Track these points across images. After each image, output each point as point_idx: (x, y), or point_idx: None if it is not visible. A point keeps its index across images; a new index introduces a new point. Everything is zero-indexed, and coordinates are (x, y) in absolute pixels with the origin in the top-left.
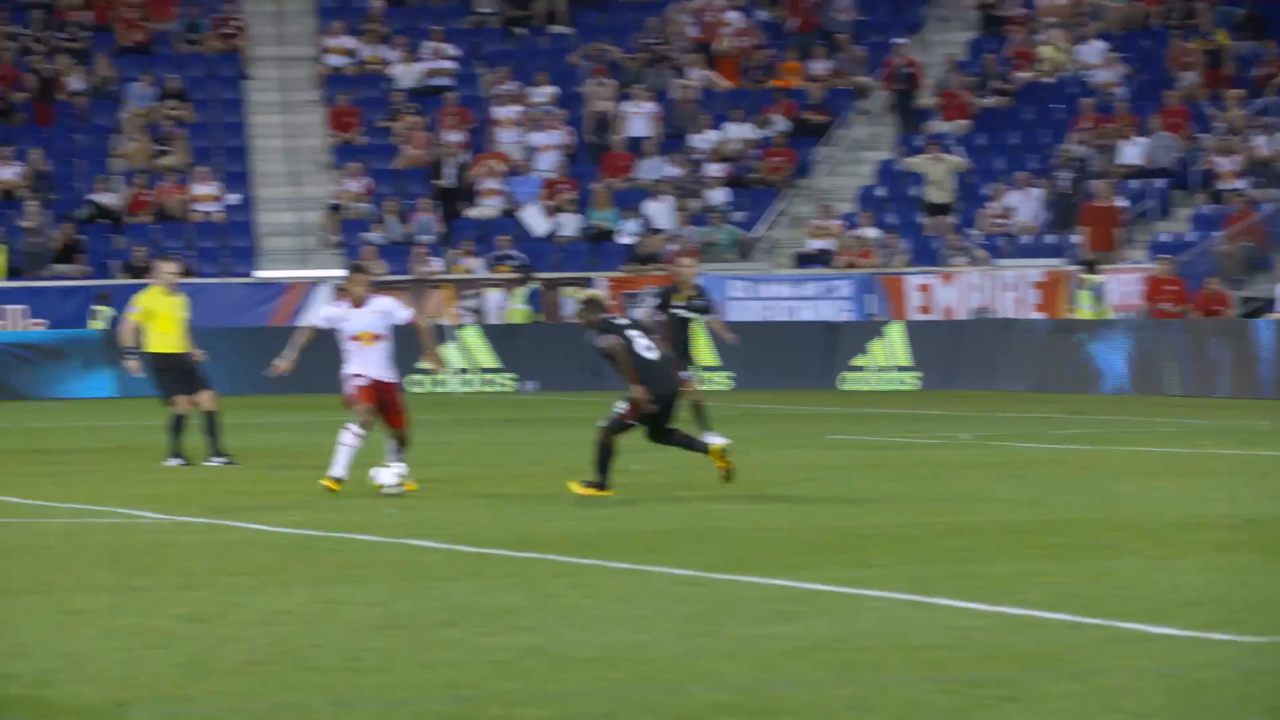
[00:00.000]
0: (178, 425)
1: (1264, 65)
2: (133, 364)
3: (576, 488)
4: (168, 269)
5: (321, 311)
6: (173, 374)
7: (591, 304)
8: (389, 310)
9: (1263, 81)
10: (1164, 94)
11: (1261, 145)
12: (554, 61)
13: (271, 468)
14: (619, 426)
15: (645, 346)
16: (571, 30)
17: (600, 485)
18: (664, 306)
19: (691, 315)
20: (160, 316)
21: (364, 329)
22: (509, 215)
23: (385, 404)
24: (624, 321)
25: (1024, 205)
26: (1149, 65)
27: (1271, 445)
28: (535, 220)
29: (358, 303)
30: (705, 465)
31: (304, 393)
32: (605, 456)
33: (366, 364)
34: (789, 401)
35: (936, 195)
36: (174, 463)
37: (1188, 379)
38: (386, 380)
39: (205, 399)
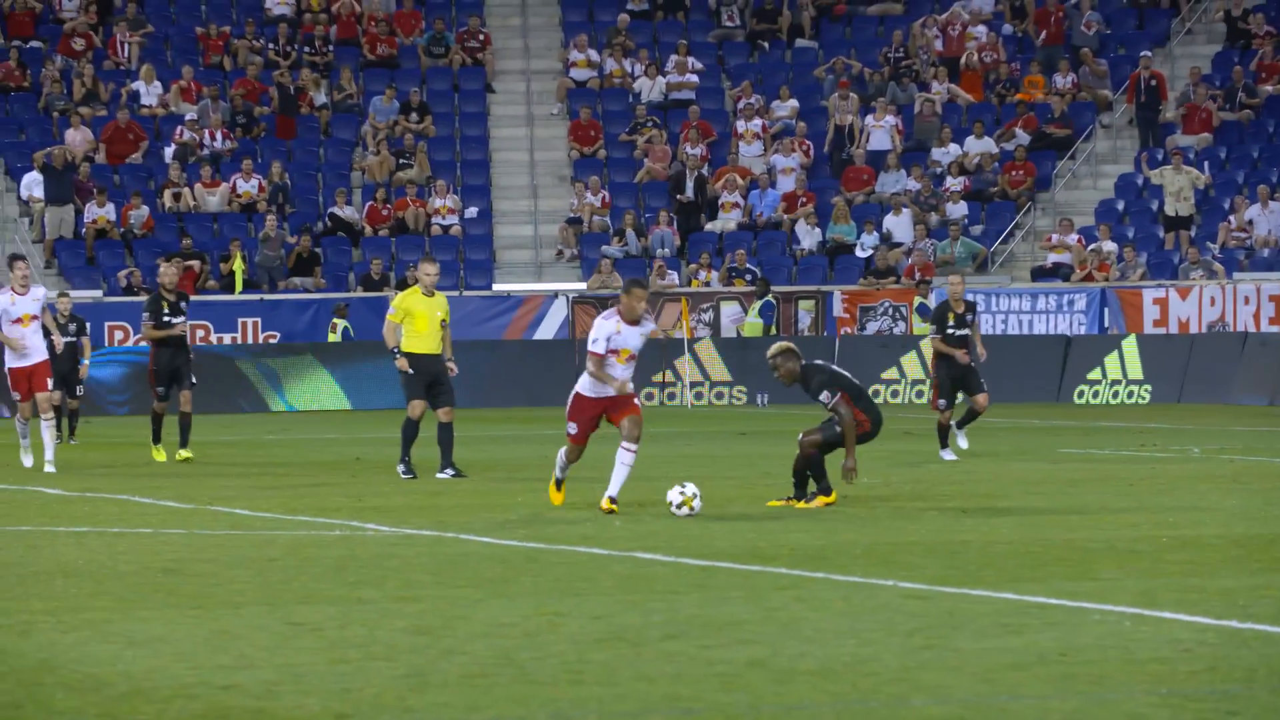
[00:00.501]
0: (411, 431)
1: None
2: (400, 362)
3: (773, 502)
4: (427, 270)
5: (599, 333)
6: (419, 378)
7: (787, 354)
8: (649, 329)
9: None
10: None
11: None
12: (798, 75)
13: (501, 480)
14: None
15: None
16: (816, 44)
17: (800, 497)
18: (940, 327)
19: (965, 332)
20: (417, 316)
21: (630, 347)
22: (748, 228)
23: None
24: (826, 364)
25: (1264, 219)
26: None
27: None
28: (802, 232)
29: (633, 320)
30: (936, 479)
31: (532, 405)
32: (816, 469)
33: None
34: (1022, 415)
35: (1176, 208)
36: (403, 473)
37: None
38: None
39: (444, 413)
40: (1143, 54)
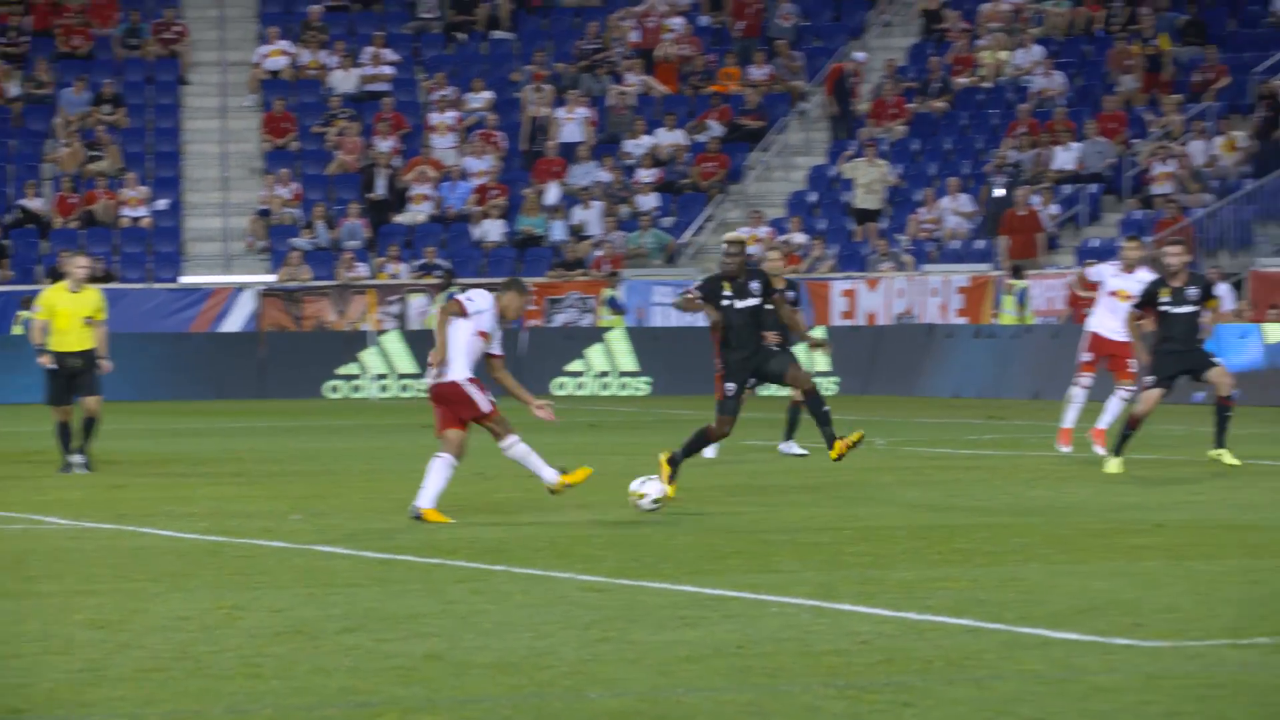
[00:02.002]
0: (62, 433)
1: (1204, 71)
2: (44, 359)
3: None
4: (72, 264)
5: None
6: (59, 377)
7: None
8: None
9: (1201, 87)
10: (1102, 99)
11: (1196, 150)
12: (494, 67)
13: (183, 474)
14: None
15: None
16: (513, 36)
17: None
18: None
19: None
20: (59, 313)
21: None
22: (438, 221)
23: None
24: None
25: (954, 211)
26: (1089, 70)
27: (1182, 449)
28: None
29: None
30: (618, 470)
31: (219, 398)
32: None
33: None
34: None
35: (866, 201)
36: (63, 471)
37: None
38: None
39: (91, 403)
40: (838, 47)
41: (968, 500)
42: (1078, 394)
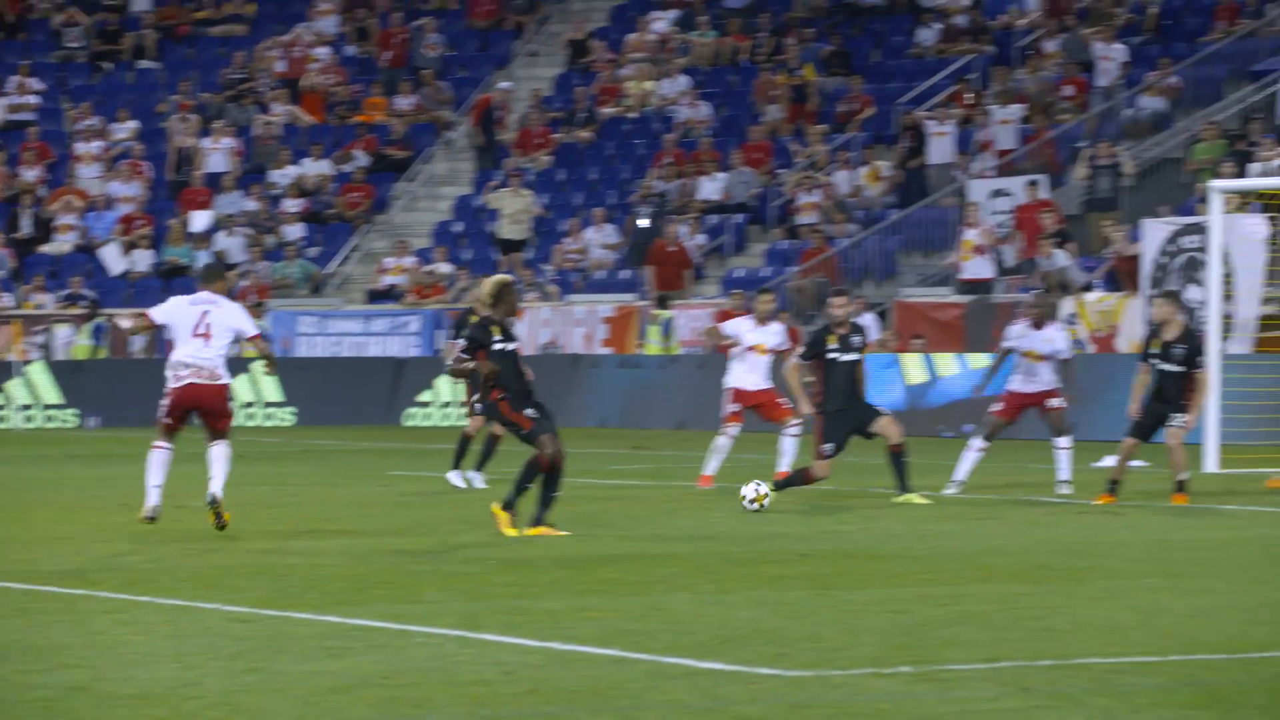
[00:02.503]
0: None
1: (848, 101)
2: None
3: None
4: None
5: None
6: None
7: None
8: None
9: (846, 117)
10: (748, 129)
11: (842, 180)
12: (140, 97)
13: None
14: None
15: None
16: (159, 66)
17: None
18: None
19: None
20: None
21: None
22: (84, 251)
23: None
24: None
25: (600, 242)
26: (734, 101)
27: (830, 479)
28: (112, 258)
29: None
30: (262, 501)
31: None
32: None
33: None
34: (352, 438)
35: (511, 231)
36: None
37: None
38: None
39: None
40: (502, 85)
41: (613, 530)
42: (723, 443)
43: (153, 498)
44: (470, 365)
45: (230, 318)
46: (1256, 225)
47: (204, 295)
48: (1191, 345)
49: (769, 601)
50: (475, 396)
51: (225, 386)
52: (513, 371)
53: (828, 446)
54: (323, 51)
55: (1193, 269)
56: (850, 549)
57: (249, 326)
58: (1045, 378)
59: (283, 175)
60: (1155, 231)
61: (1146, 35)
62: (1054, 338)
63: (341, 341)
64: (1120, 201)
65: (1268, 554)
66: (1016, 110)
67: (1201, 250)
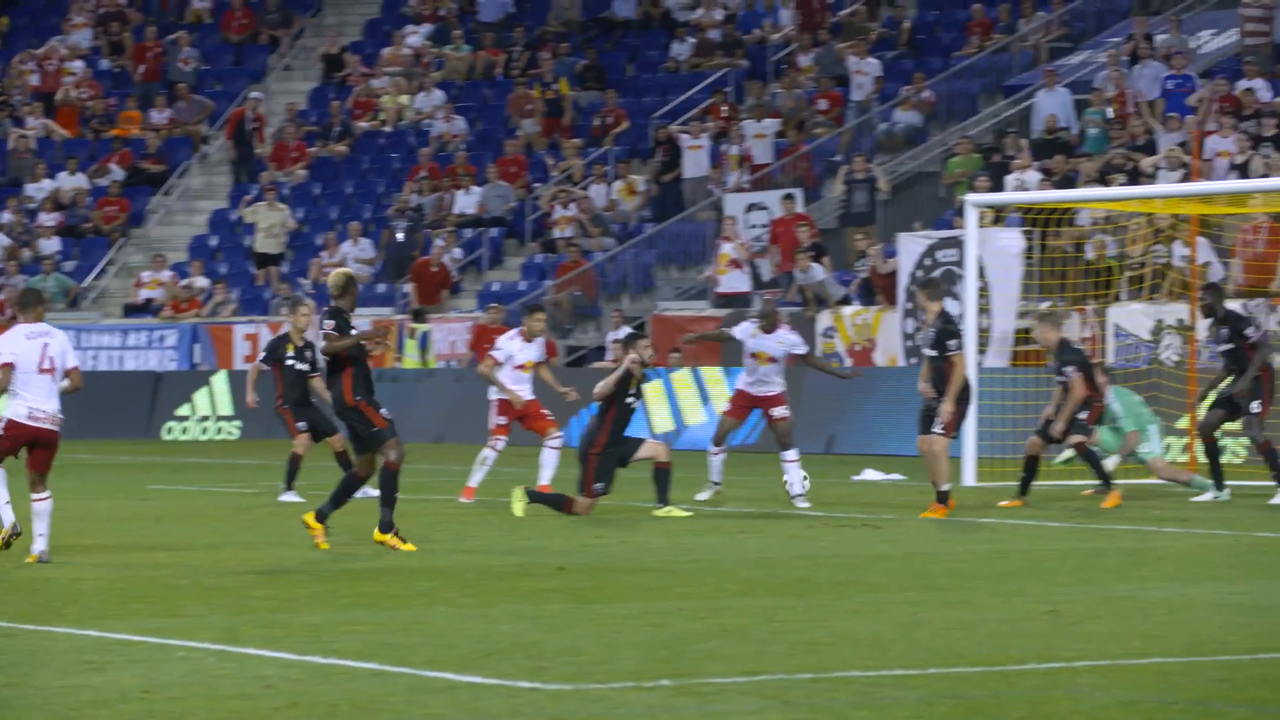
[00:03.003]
0: None
1: (603, 115)
2: None
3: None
4: None
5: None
6: None
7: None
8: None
9: (601, 131)
10: (504, 143)
11: (597, 194)
12: None
13: None
14: None
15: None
16: None
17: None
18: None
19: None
20: None
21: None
22: None
23: None
24: None
25: (356, 256)
26: (490, 115)
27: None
28: None
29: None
30: (26, 516)
31: None
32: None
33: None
34: (110, 452)
35: (267, 245)
36: None
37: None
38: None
39: None
40: (254, 95)
41: (373, 545)
42: (489, 456)
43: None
44: (350, 339)
45: (64, 347)
46: (1012, 239)
47: (39, 327)
48: (941, 330)
49: (528, 615)
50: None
51: (61, 421)
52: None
53: (599, 486)
54: (77, 65)
55: (949, 282)
56: (609, 563)
57: (73, 356)
58: (774, 382)
59: (38, 189)
60: (911, 245)
61: (900, 50)
62: (785, 339)
63: (99, 355)
64: (876, 215)
65: (1026, 567)
66: (771, 125)
67: (958, 264)
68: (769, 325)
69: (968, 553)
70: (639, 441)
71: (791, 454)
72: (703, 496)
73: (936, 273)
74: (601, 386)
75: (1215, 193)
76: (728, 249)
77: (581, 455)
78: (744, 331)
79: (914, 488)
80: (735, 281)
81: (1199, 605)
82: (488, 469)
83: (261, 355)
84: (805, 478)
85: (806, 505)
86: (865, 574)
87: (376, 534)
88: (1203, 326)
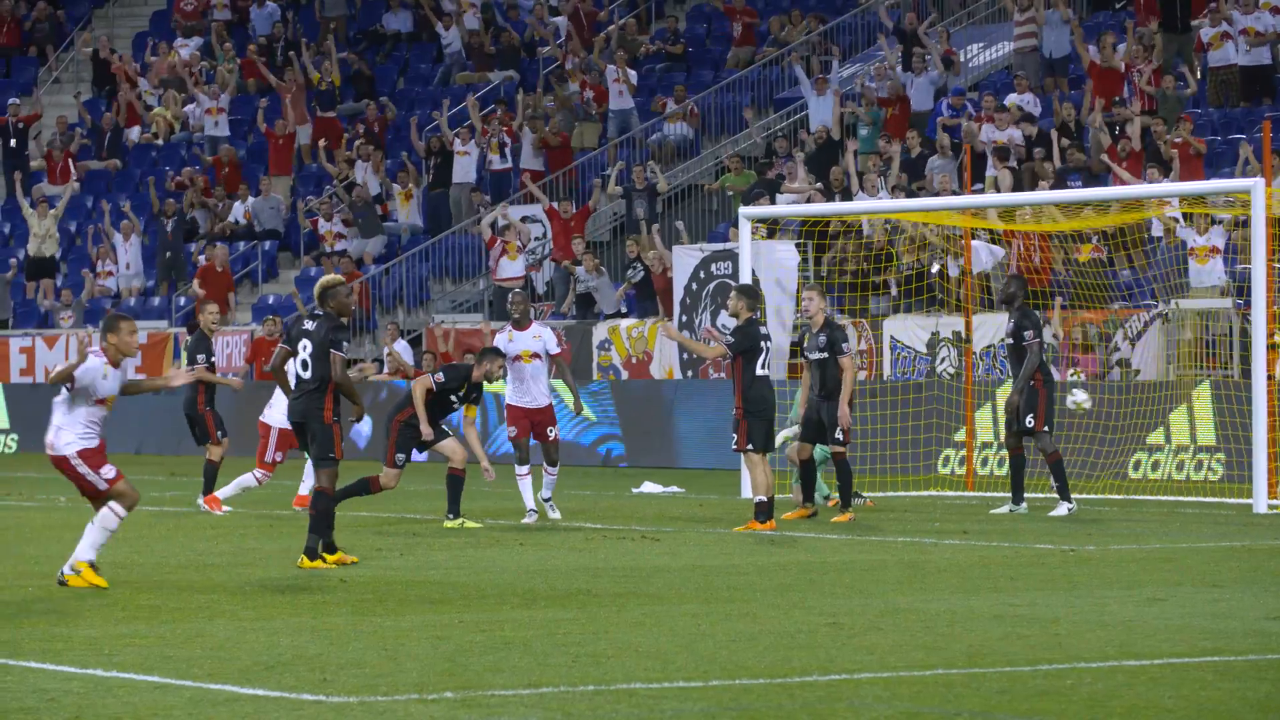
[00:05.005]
0: None
1: (375, 125)
2: None
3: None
4: None
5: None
6: None
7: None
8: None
9: (373, 142)
10: (275, 154)
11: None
12: None
13: None
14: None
15: None
16: None
17: None
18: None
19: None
20: None
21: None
22: None
23: None
24: None
25: (131, 265)
26: (260, 126)
27: (368, 507)
28: None
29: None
30: None
31: None
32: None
33: None
34: None
35: (39, 255)
36: None
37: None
38: None
39: None
40: (11, 100)
41: (153, 556)
42: (249, 480)
43: None
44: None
45: None
46: (787, 252)
47: None
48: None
49: (310, 628)
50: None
51: None
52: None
53: (400, 457)
54: None
55: (723, 295)
56: (390, 575)
57: None
58: (539, 390)
59: None
60: (685, 258)
61: (669, 63)
62: (540, 334)
63: None
64: (651, 226)
65: (806, 579)
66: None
67: (732, 276)
68: (521, 320)
69: (748, 565)
70: (445, 434)
71: (553, 470)
72: (530, 520)
73: (711, 286)
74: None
75: (989, 205)
76: (503, 259)
77: (388, 422)
78: (501, 342)
79: (691, 500)
80: (516, 268)
81: (980, 617)
82: (245, 486)
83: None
84: (549, 502)
85: (556, 515)
86: (646, 586)
87: (304, 561)
88: (990, 329)
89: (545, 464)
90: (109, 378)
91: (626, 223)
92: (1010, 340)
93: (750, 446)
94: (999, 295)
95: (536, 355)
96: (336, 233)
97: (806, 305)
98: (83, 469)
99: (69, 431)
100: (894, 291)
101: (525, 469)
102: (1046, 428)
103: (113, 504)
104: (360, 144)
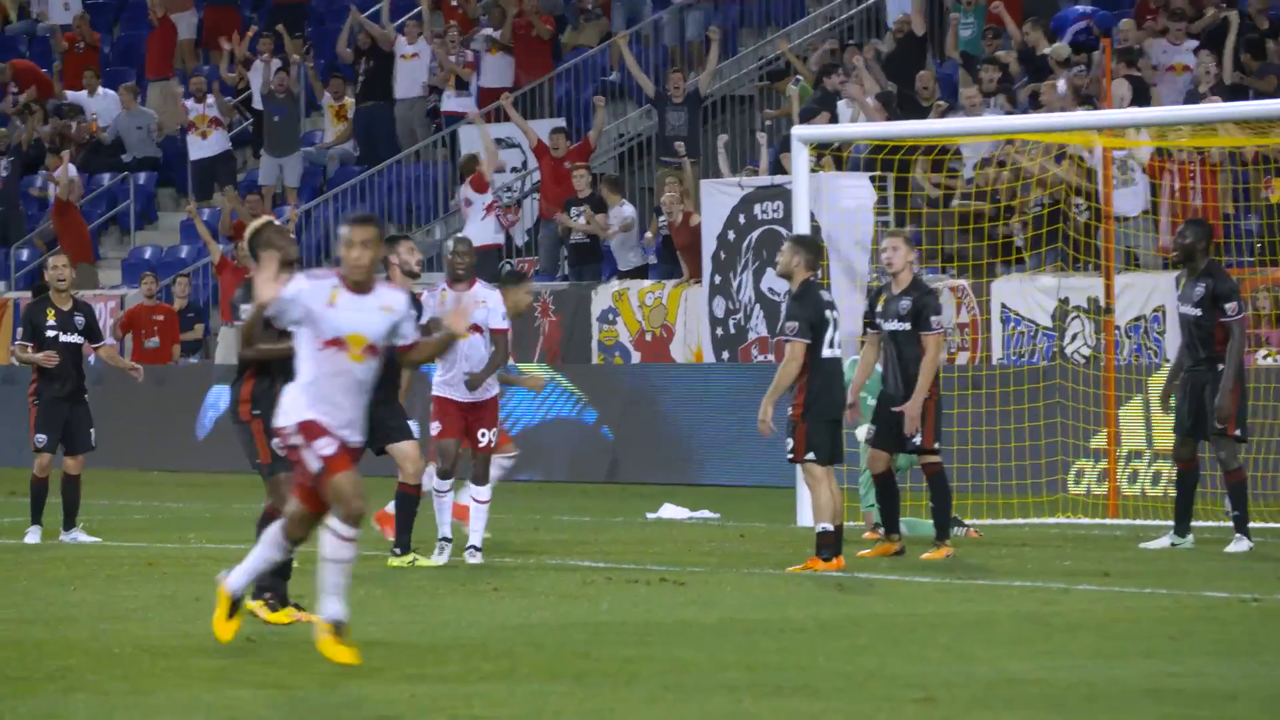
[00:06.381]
0: None
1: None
2: None
3: None
4: None
5: None
6: None
7: None
8: None
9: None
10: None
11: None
12: None
13: None
14: None
15: None
16: None
17: None
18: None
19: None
20: None
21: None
22: None
23: None
24: None
25: None
26: (132, 13)
27: None
28: None
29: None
30: None
31: None
32: None
33: None
34: None
35: None
36: None
37: None
38: None
39: None
40: None
41: None
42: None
43: None
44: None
45: None
46: (859, 188)
47: None
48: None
49: (204, 706)
50: None
51: None
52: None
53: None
54: None
55: (772, 247)
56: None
57: None
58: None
59: None
60: (718, 197)
61: None
62: (486, 297)
63: None
64: (686, 149)
65: (887, 638)
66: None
67: (783, 222)
68: (464, 277)
69: (807, 619)
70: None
71: (484, 492)
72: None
73: (754, 235)
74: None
75: (1136, 124)
76: (472, 197)
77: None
78: (431, 305)
79: (729, 529)
80: (482, 233)
81: (1128, 692)
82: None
83: None
84: (474, 550)
85: (479, 560)
86: (666, 649)
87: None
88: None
89: (471, 483)
90: None
91: (646, 147)
92: (1196, 312)
93: (811, 456)
94: (1174, 248)
95: (477, 328)
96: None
97: (889, 257)
98: None
99: None
100: (1018, 241)
101: (448, 485)
102: (1239, 431)
103: None
104: (266, 39)
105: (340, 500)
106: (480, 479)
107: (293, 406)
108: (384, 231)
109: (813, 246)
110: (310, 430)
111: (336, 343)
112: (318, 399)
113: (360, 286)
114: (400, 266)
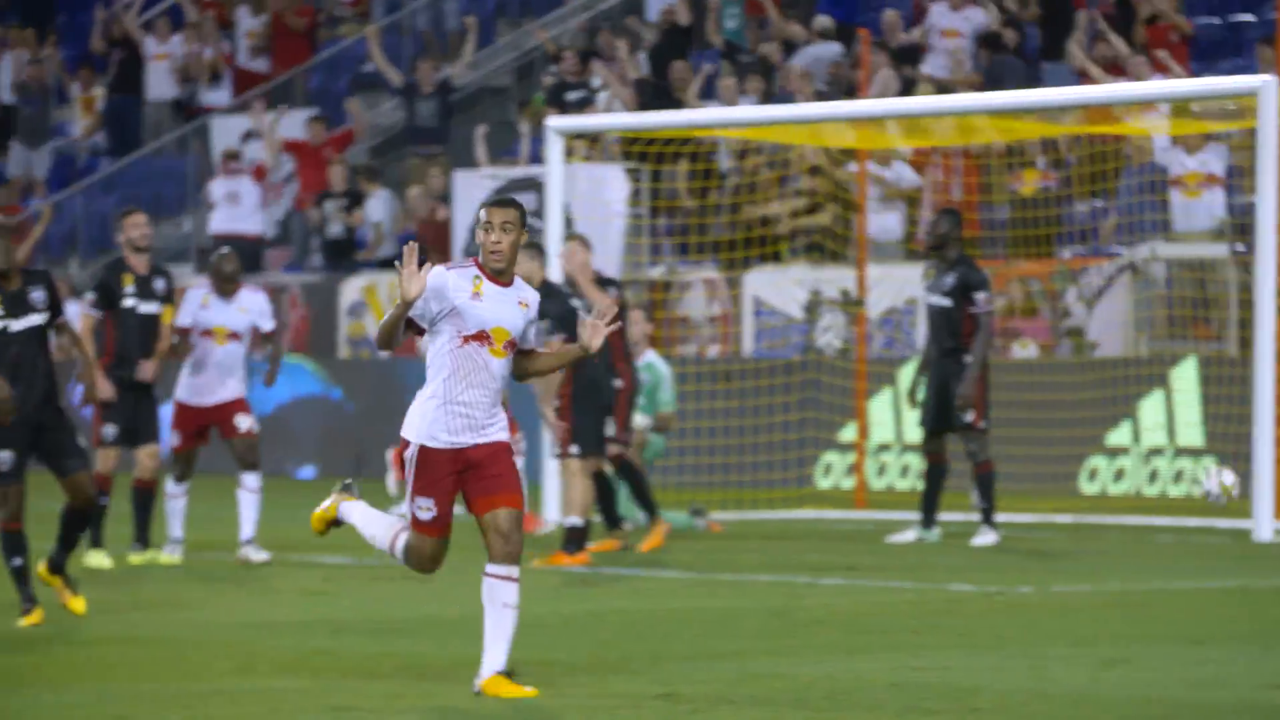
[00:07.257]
0: None
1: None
2: None
3: None
4: None
5: None
6: None
7: None
8: None
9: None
10: None
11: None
12: None
13: None
14: None
15: None
16: None
17: None
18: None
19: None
20: None
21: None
22: None
23: None
24: None
25: None
26: None
27: None
28: None
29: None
30: None
31: None
32: None
33: None
34: None
35: None
36: None
37: None
38: None
39: None
40: None
41: None
42: None
43: None
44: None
45: None
46: (614, 179)
47: None
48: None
49: None
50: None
51: None
52: None
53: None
54: None
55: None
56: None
57: None
58: (232, 383)
59: None
60: (471, 188)
61: None
62: (249, 305)
63: None
64: (436, 139)
65: (631, 633)
66: (268, 21)
67: (536, 214)
68: (228, 287)
69: (551, 616)
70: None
71: (254, 480)
72: (173, 554)
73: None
74: None
75: (890, 115)
76: (222, 189)
77: None
78: (191, 306)
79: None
80: (237, 219)
81: (871, 685)
82: None
83: None
84: (251, 543)
85: (264, 558)
86: (407, 644)
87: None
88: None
89: (242, 471)
90: None
91: (413, 126)
92: (946, 302)
93: (575, 450)
94: (926, 237)
95: (236, 335)
96: None
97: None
98: None
99: None
100: (781, 229)
101: (183, 489)
102: (985, 424)
103: None
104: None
105: (414, 562)
106: (250, 465)
107: (421, 420)
108: (527, 217)
109: (538, 249)
110: (422, 478)
111: (481, 336)
112: (449, 401)
113: (501, 276)
114: (127, 243)
